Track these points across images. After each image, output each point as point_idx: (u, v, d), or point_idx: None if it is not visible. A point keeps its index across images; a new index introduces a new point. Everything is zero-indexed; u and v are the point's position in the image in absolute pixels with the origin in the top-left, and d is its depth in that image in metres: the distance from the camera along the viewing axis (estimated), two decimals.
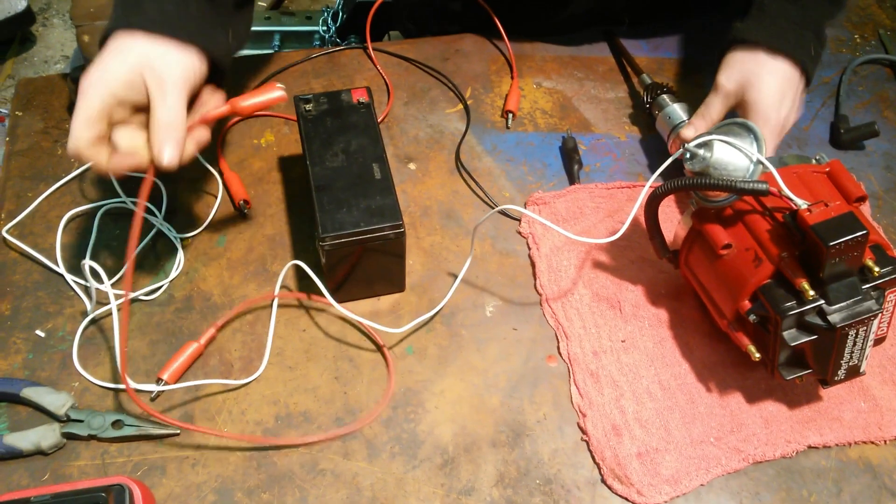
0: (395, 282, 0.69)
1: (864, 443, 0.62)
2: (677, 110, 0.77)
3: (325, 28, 1.58)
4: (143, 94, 0.56)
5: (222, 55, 0.61)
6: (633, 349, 0.67)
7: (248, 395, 0.63)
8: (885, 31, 0.96)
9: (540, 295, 0.71)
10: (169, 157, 0.56)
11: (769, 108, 0.68)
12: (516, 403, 0.64)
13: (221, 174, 0.76)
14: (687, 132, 0.73)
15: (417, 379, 0.65)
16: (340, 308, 0.65)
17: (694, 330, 0.68)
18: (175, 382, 0.62)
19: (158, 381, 0.62)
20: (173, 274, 0.69)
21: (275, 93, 0.60)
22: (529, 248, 0.74)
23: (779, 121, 0.69)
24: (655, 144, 0.82)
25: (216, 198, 0.75)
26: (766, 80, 0.69)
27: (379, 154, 0.66)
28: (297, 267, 0.69)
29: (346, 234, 0.61)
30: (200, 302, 0.69)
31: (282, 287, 0.69)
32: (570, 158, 0.80)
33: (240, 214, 0.74)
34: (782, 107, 0.69)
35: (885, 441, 0.62)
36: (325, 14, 1.60)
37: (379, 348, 0.66)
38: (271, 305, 0.68)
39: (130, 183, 0.74)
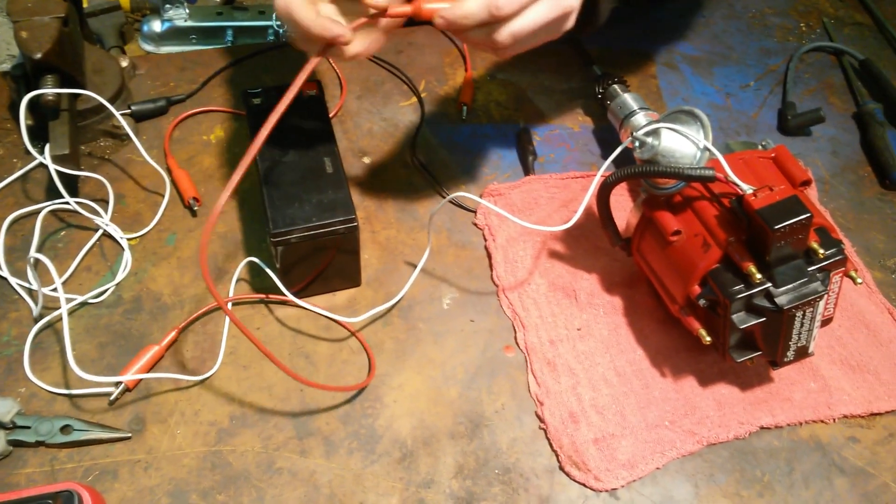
0: (350, 277, 0.68)
1: (814, 422, 0.64)
2: (628, 100, 0.78)
3: (279, 23, 1.56)
4: None
5: None
6: (589, 337, 0.68)
7: (202, 395, 0.62)
8: (829, 19, 0.98)
9: (496, 286, 0.71)
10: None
11: None
12: (474, 395, 0.64)
13: (170, 172, 0.75)
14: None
15: (375, 374, 0.64)
16: (299, 301, 0.64)
17: (648, 316, 0.69)
18: (133, 386, 0.61)
19: (118, 384, 0.60)
20: (121, 275, 0.68)
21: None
22: (485, 240, 0.74)
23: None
24: (608, 134, 0.83)
25: (164, 196, 0.73)
26: None
27: (330, 148, 0.65)
28: (251, 264, 0.68)
29: (298, 229, 0.60)
30: (150, 303, 0.67)
31: (236, 283, 0.67)
32: (525, 150, 0.80)
33: (190, 212, 0.73)
34: None
35: (834, 419, 0.64)
36: None
37: (353, 334, 0.66)
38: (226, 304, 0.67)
39: (73, 184, 0.73)
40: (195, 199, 0.72)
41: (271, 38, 1.61)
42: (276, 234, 0.59)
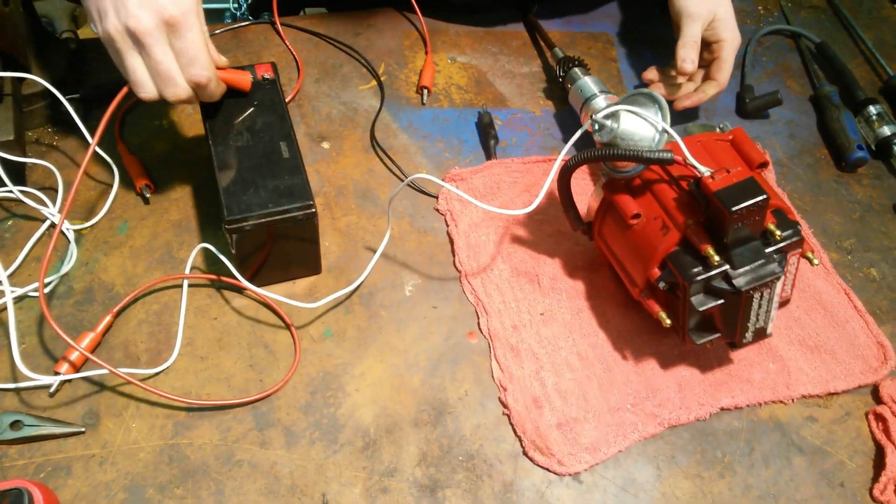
0: (310, 264, 0.67)
1: (774, 402, 0.65)
2: (589, 83, 0.77)
3: (235, 5, 1.53)
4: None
5: None
6: (552, 321, 0.68)
7: (158, 387, 0.60)
8: (787, 2, 0.99)
9: (459, 272, 0.70)
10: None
11: (735, 22, 0.79)
12: (437, 382, 0.63)
13: (120, 159, 0.73)
14: (686, 66, 0.77)
15: (337, 362, 0.63)
16: (253, 287, 0.62)
17: (609, 300, 0.69)
18: (75, 372, 0.59)
19: (55, 374, 0.59)
20: (66, 266, 0.65)
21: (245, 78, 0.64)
22: (447, 225, 0.73)
23: (739, 34, 0.79)
24: (570, 118, 0.83)
25: (113, 185, 0.71)
26: (724, 0, 0.79)
27: (286, 132, 0.64)
28: (207, 252, 0.67)
29: (254, 216, 0.58)
30: (102, 293, 0.65)
31: (191, 272, 0.66)
32: (486, 134, 0.80)
33: (142, 200, 0.71)
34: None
35: (793, 399, 0.65)
36: None
37: (287, 327, 0.64)
38: (181, 291, 0.65)
39: (20, 171, 0.70)
40: (147, 185, 0.70)
41: (228, 20, 1.57)
42: (230, 221, 0.58)
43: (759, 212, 0.53)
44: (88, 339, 0.61)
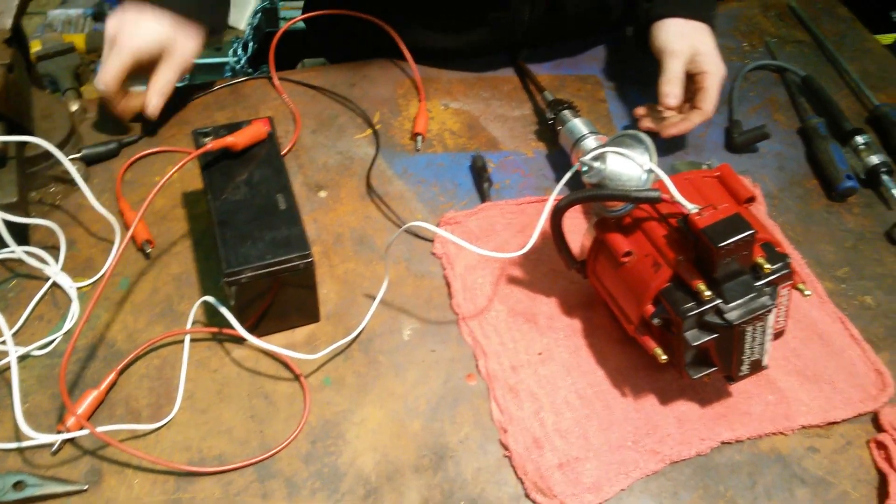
0: (308, 313, 0.68)
1: (774, 434, 0.64)
2: (578, 125, 0.79)
3: (235, 59, 1.57)
4: (155, 61, 0.76)
5: (223, 27, 0.83)
6: (550, 361, 0.68)
7: (159, 442, 0.61)
8: (771, 38, 1.01)
9: (456, 314, 0.71)
10: (153, 111, 0.78)
11: (718, 54, 0.81)
12: (437, 426, 0.64)
13: (121, 214, 0.74)
14: (669, 101, 0.80)
15: (336, 410, 0.64)
16: (253, 339, 0.63)
17: (607, 337, 0.69)
18: (77, 430, 0.60)
19: (58, 432, 0.59)
20: (69, 324, 0.66)
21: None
22: (444, 269, 0.74)
23: (724, 66, 0.82)
24: (561, 159, 0.84)
25: (114, 240, 0.72)
26: (705, 36, 0.82)
27: (283, 184, 0.65)
28: (207, 305, 0.68)
29: (252, 267, 0.59)
30: (104, 350, 0.66)
31: (192, 325, 0.67)
32: (480, 177, 0.81)
33: (143, 255, 0.72)
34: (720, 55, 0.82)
35: (793, 430, 0.65)
36: (235, 44, 1.58)
37: (296, 377, 0.65)
38: (182, 345, 0.66)
39: (24, 231, 0.71)
40: (148, 241, 0.72)
41: (228, 74, 1.61)
42: (229, 274, 0.59)
43: (747, 246, 0.53)
44: (91, 397, 0.61)
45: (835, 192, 0.82)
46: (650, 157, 0.59)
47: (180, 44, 0.76)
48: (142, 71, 0.77)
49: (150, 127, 0.82)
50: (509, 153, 0.85)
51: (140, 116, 0.81)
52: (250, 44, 1.52)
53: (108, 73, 0.75)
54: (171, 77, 0.78)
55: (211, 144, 0.64)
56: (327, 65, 0.96)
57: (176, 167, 0.62)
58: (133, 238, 0.72)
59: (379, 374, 0.66)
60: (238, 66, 1.56)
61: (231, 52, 1.57)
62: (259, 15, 1.59)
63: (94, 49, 1.93)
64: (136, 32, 0.75)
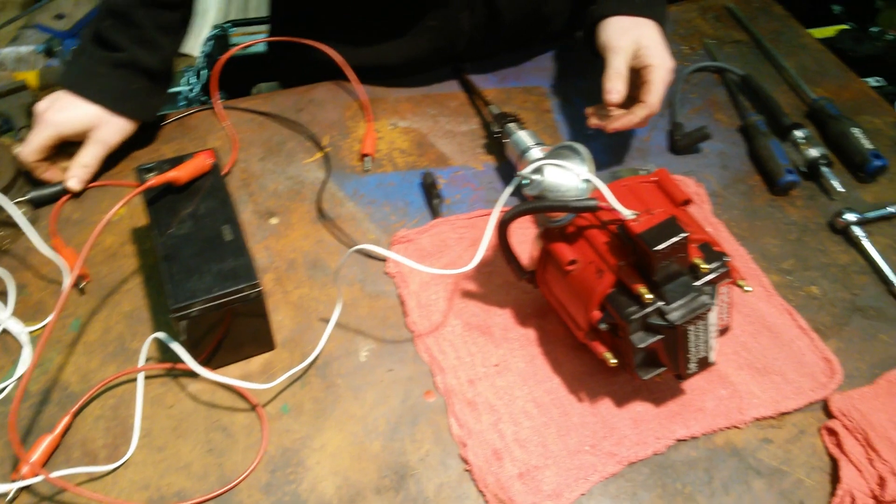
0: (263, 341, 0.68)
1: (728, 428, 0.66)
2: (523, 137, 0.80)
3: (188, 87, 1.56)
4: (80, 139, 0.80)
5: (152, 117, 0.86)
6: (507, 371, 0.69)
7: (117, 483, 0.60)
8: (710, 40, 1.04)
9: (412, 332, 0.72)
10: (73, 185, 0.80)
11: (664, 48, 0.81)
12: (398, 445, 0.64)
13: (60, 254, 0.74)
14: (611, 97, 0.79)
15: (295, 437, 0.64)
16: (206, 372, 0.63)
17: (561, 344, 0.70)
18: (32, 477, 0.59)
19: (12, 481, 0.58)
20: (21, 369, 0.66)
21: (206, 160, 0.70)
22: (398, 287, 0.75)
23: (671, 59, 0.81)
24: (510, 170, 0.85)
25: (63, 282, 0.72)
26: (649, 30, 0.82)
27: (229, 215, 0.66)
28: (160, 342, 0.68)
29: (199, 301, 0.59)
30: (58, 393, 0.65)
31: (146, 362, 0.66)
32: (430, 193, 0.82)
33: (79, 292, 0.72)
34: (668, 49, 0.82)
35: (746, 423, 0.66)
36: (188, 73, 1.58)
37: (253, 407, 0.65)
38: (135, 383, 0.65)
39: None
40: (82, 276, 0.72)
41: (182, 103, 1.61)
42: (175, 310, 0.59)
43: (682, 248, 0.55)
44: (46, 442, 0.61)
45: (777, 187, 0.84)
46: (587, 166, 0.60)
47: (105, 129, 0.80)
48: (66, 147, 0.81)
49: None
50: (459, 168, 0.86)
51: None
52: (203, 71, 1.51)
53: (30, 144, 0.78)
54: (94, 154, 0.80)
55: (153, 180, 0.64)
56: (274, 90, 0.97)
57: (117, 206, 0.62)
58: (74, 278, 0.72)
59: (337, 397, 0.67)
60: (192, 95, 1.56)
61: (184, 80, 1.56)
62: (211, 42, 1.59)
63: (48, 85, 1.91)
64: (63, 109, 0.79)
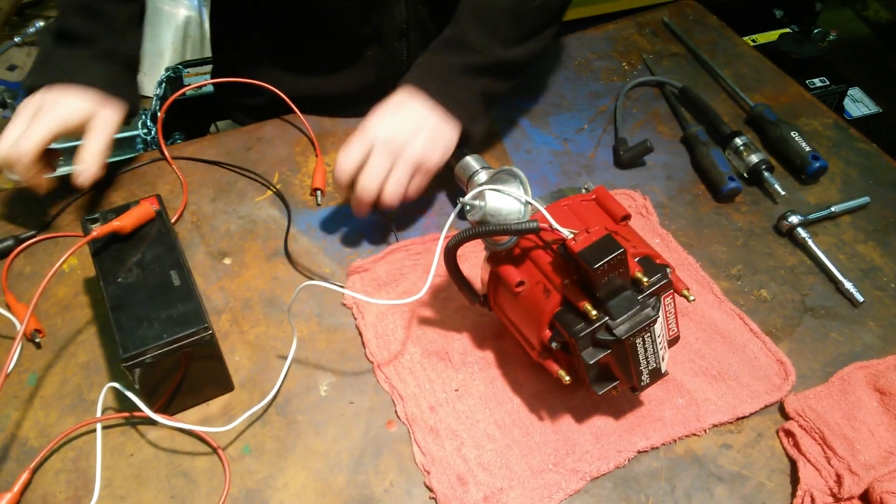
0: (221, 383, 0.68)
1: (687, 436, 0.67)
2: (470, 161, 0.82)
3: (145, 131, 1.56)
4: (79, 131, 0.77)
5: (138, 108, 0.83)
6: (467, 395, 0.69)
7: None
8: (648, 55, 1.06)
9: (371, 363, 0.72)
10: (84, 179, 0.76)
11: (374, 122, 0.78)
12: (361, 478, 0.64)
13: (10, 308, 0.73)
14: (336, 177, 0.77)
15: (258, 478, 0.64)
16: (163, 419, 0.63)
17: (519, 365, 0.71)
18: None
19: None
20: None
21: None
22: (355, 318, 0.75)
23: (395, 141, 0.76)
24: (461, 194, 0.86)
25: (17, 336, 0.71)
26: (401, 105, 0.78)
27: (175, 259, 0.66)
28: (117, 390, 0.67)
29: (150, 349, 0.59)
30: (16, 449, 0.65)
31: (103, 413, 0.66)
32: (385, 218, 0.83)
33: (34, 345, 0.71)
34: (405, 134, 0.76)
35: (705, 430, 0.67)
36: (144, 116, 1.58)
37: (214, 450, 0.65)
38: (94, 434, 0.65)
39: None
40: (37, 331, 0.71)
41: (140, 146, 1.60)
42: (126, 359, 0.59)
43: (621, 264, 0.56)
44: (5, 501, 0.60)
45: (721, 195, 0.86)
46: (525, 190, 0.61)
47: (103, 115, 0.78)
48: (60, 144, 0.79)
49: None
50: None
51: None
52: (158, 114, 1.51)
53: (30, 138, 0.73)
54: (100, 141, 0.77)
55: (96, 231, 0.64)
56: (223, 132, 0.97)
57: (62, 258, 0.62)
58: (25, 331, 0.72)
59: (298, 434, 0.66)
60: (150, 138, 1.55)
61: (140, 124, 1.56)
62: (164, 84, 1.59)
63: None
64: (61, 103, 0.76)
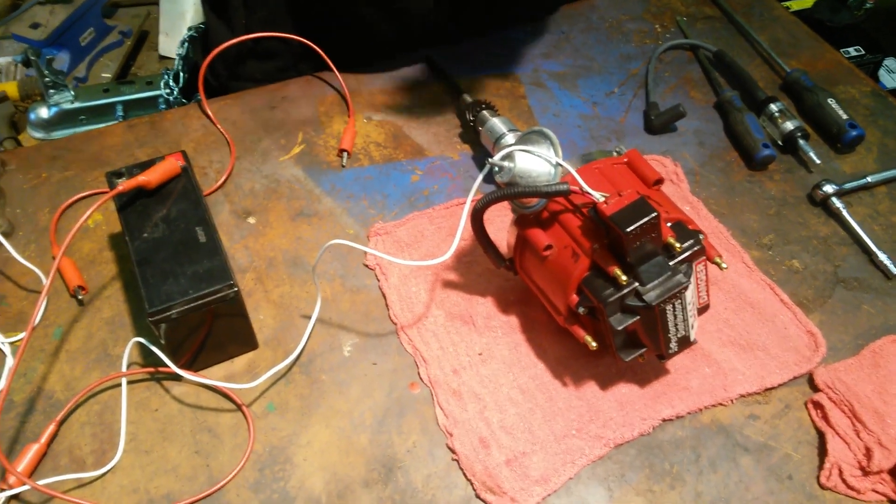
0: (245, 341, 0.68)
1: (714, 406, 0.66)
2: (497, 124, 0.80)
3: (168, 91, 1.55)
4: None
5: None
6: (491, 359, 0.69)
7: (106, 488, 0.60)
8: (682, 17, 1.03)
9: (395, 324, 0.71)
10: None
11: None
12: (385, 438, 0.64)
13: (47, 266, 0.73)
14: None
15: (282, 435, 0.64)
16: (188, 375, 0.63)
17: (544, 330, 0.70)
18: (20, 486, 0.59)
19: (1, 491, 0.58)
20: (3, 381, 0.66)
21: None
22: (378, 280, 0.75)
23: None
24: (487, 158, 0.85)
25: (42, 292, 0.72)
26: None
27: (202, 216, 0.65)
28: (142, 345, 0.67)
29: (176, 304, 0.59)
30: (43, 402, 0.65)
31: (128, 367, 0.66)
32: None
33: (77, 302, 0.71)
34: None
35: (732, 400, 0.66)
36: (166, 76, 1.57)
37: (238, 407, 0.65)
38: (119, 389, 0.65)
39: None
40: (80, 287, 0.71)
41: (163, 107, 1.60)
42: (153, 314, 0.59)
43: (654, 228, 0.55)
44: (32, 451, 0.61)
45: (754, 162, 0.84)
46: (555, 151, 0.60)
47: None
48: None
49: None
50: (435, 158, 0.86)
51: None
52: (181, 74, 1.50)
53: None
54: None
55: (122, 186, 0.64)
56: (245, 91, 0.96)
57: (88, 212, 0.62)
58: (66, 285, 0.72)
59: (322, 393, 0.67)
60: (172, 98, 1.55)
61: (163, 84, 1.55)
62: (187, 45, 1.58)
63: (28, 95, 1.90)
64: None
